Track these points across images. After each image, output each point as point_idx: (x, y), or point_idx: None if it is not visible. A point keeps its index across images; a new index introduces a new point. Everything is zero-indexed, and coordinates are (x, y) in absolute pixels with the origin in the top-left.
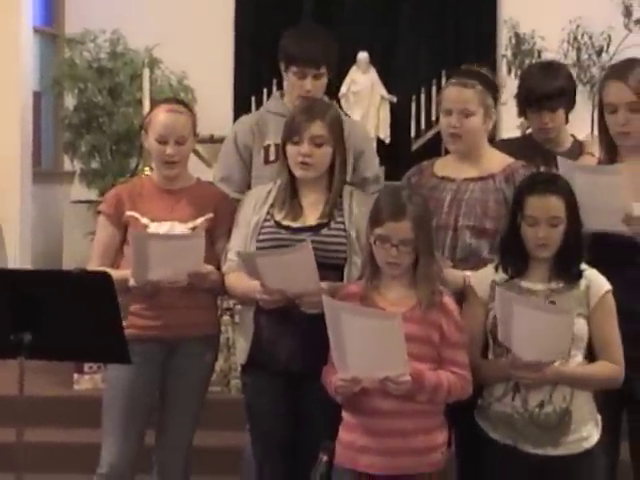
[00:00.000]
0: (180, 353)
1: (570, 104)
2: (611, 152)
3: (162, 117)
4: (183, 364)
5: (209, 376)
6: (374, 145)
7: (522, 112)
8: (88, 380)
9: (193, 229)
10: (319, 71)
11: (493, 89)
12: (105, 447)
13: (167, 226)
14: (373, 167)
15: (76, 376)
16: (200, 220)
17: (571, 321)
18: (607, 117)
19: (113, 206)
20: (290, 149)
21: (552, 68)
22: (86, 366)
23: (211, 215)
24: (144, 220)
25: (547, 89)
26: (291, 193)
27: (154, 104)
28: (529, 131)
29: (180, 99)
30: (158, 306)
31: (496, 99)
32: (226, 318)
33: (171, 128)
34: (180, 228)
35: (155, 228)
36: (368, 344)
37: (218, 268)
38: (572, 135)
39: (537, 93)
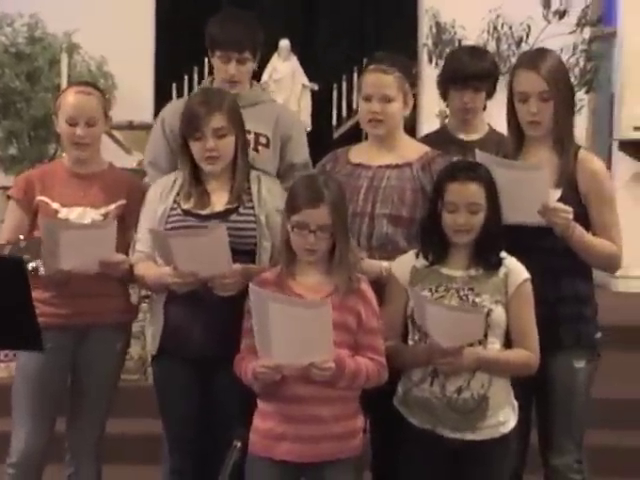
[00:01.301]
0: (90, 341)
1: (491, 90)
2: (518, 141)
3: (71, 99)
4: (93, 352)
5: (121, 364)
6: (303, 131)
7: (444, 93)
8: (4, 369)
9: (105, 215)
10: (242, 55)
11: (410, 76)
12: (15, 436)
13: (78, 212)
14: (301, 153)
15: None
16: (112, 207)
17: (482, 318)
18: (518, 106)
19: (23, 190)
20: (194, 145)
21: (479, 51)
22: (1, 354)
23: (123, 202)
24: (55, 205)
25: (474, 68)
26: (195, 183)
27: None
28: (446, 120)
29: (91, 82)
30: (68, 294)
31: (413, 85)
32: (144, 305)
33: (81, 109)
34: (92, 214)
35: (66, 214)
36: (296, 332)
37: (127, 254)
38: (488, 124)
39: (464, 71)
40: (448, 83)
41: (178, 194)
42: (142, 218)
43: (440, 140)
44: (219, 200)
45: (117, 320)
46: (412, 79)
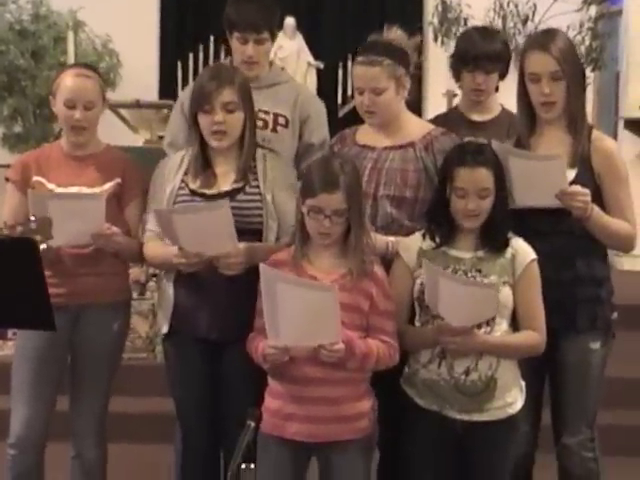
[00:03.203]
0: (86, 321)
1: (504, 71)
2: (531, 124)
3: (69, 81)
4: (90, 332)
5: (120, 343)
6: (322, 110)
7: (457, 73)
8: (12, 347)
9: (101, 191)
10: (260, 36)
11: (403, 57)
12: (14, 416)
13: (74, 191)
14: (320, 132)
15: (0, 342)
16: (107, 185)
17: (495, 294)
18: (530, 87)
19: (19, 172)
20: (202, 118)
21: (491, 32)
22: (10, 332)
23: (119, 180)
24: (50, 185)
25: (486, 49)
26: (203, 162)
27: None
28: (456, 101)
29: (89, 64)
30: (61, 273)
31: (408, 65)
32: (152, 284)
33: (79, 92)
34: (87, 192)
35: (62, 190)
36: (303, 313)
37: (128, 234)
38: (501, 105)
39: (475, 52)
40: (460, 64)
41: (186, 173)
42: (150, 197)
43: (451, 120)
44: (226, 179)
45: (114, 299)
46: (406, 59)
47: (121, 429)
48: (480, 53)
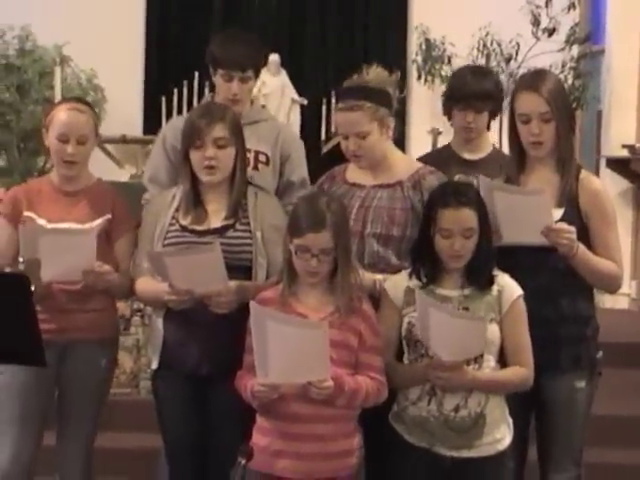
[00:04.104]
0: (74, 356)
1: (495, 111)
2: (521, 162)
3: (63, 115)
4: (77, 368)
5: (107, 379)
6: (302, 149)
7: (448, 110)
8: None
9: (92, 228)
10: (245, 74)
11: (384, 97)
12: (0, 451)
13: (64, 227)
14: (300, 171)
15: None
16: (98, 221)
17: (484, 327)
18: (520, 127)
19: (10, 206)
20: (194, 154)
21: (484, 71)
22: None
23: (109, 216)
24: (41, 221)
25: (476, 88)
26: (194, 199)
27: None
28: (441, 139)
29: (83, 98)
30: (50, 309)
31: (390, 104)
32: (136, 319)
33: (72, 127)
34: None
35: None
36: (293, 351)
37: (117, 270)
38: (493, 144)
39: (466, 91)
40: (451, 102)
41: (177, 210)
42: (141, 233)
43: (443, 158)
44: (216, 216)
45: (103, 335)
46: (388, 99)
47: (104, 464)
48: (471, 92)
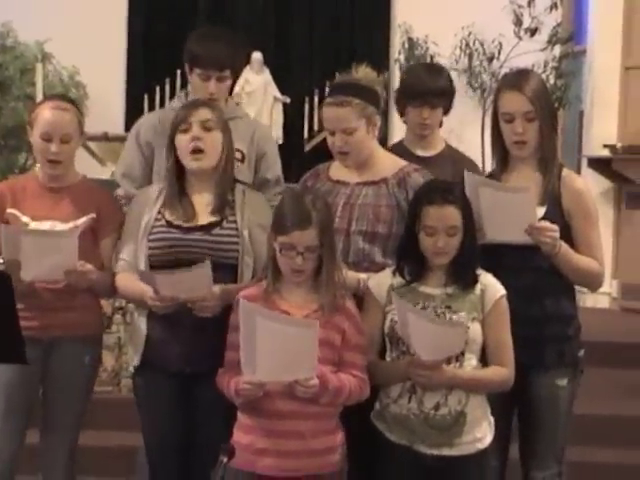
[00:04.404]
0: (58, 354)
1: (447, 107)
2: (503, 161)
3: (47, 114)
4: (62, 365)
5: (91, 376)
6: (276, 147)
7: (402, 108)
8: None
9: (74, 228)
10: (223, 73)
11: (372, 95)
12: None
13: (47, 225)
14: (275, 169)
15: None
16: (82, 220)
17: (463, 332)
18: (503, 127)
19: None
20: (180, 139)
21: (436, 68)
22: None
23: (93, 215)
24: (24, 218)
25: (431, 85)
26: (179, 194)
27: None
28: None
29: (67, 96)
30: (35, 307)
31: (377, 102)
32: (117, 317)
33: (56, 125)
34: (61, 227)
35: (35, 227)
36: (281, 348)
37: (101, 268)
38: (445, 141)
39: (422, 87)
40: (405, 99)
41: (163, 205)
42: (126, 227)
43: (396, 154)
44: (203, 213)
45: (86, 333)
46: (376, 97)
47: (85, 463)
48: (426, 88)
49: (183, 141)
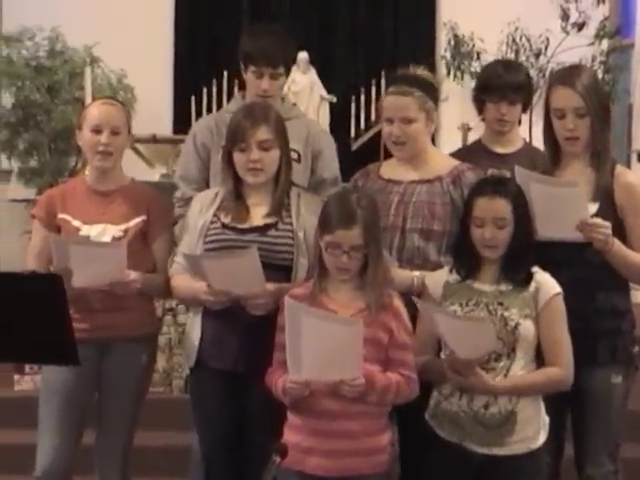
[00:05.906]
0: (113, 354)
1: (526, 103)
2: (556, 156)
3: (95, 110)
4: (117, 365)
5: (146, 377)
6: (333, 146)
7: (480, 104)
8: (29, 381)
9: (125, 232)
10: (276, 71)
11: (432, 91)
12: (40, 450)
13: (99, 229)
14: (332, 168)
15: (16, 377)
16: (132, 223)
17: (489, 327)
18: (555, 122)
19: (44, 209)
20: (238, 156)
21: (514, 64)
22: (27, 367)
23: (144, 217)
24: (76, 223)
25: (510, 80)
26: (236, 198)
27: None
28: (471, 135)
29: (115, 97)
30: (85, 309)
31: (436, 100)
32: (168, 318)
33: (105, 118)
34: (112, 231)
35: (87, 231)
36: (327, 347)
37: (153, 269)
38: (524, 138)
39: (499, 83)
40: (484, 95)
41: (219, 208)
42: (183, 231)
43: (474, 152)
44: (258, 214)
45: (139, 333)
46: (435, 94)
47: (137, 463)
48: (504, 83)
49: (241, 159)
